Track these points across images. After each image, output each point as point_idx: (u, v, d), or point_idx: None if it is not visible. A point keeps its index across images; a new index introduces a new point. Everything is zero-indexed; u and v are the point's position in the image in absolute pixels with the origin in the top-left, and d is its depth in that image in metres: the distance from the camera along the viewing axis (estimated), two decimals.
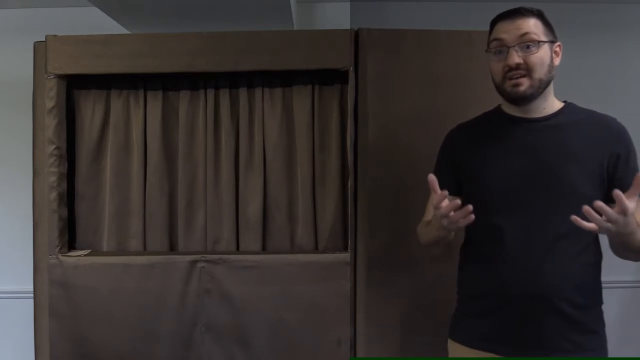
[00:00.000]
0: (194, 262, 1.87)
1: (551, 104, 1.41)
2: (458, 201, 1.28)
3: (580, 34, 2.53)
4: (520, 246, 1.35)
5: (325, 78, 1.94)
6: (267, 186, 1.97)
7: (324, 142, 1.96)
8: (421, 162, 1.87)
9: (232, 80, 1.96)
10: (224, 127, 1.96)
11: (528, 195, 1.36)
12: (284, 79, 1.95)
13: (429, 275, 1.87)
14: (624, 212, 1.15)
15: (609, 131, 1.37)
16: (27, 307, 2.00)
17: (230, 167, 1.96)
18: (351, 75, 1.85)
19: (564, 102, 1.44)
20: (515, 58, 1.33)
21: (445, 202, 1.27)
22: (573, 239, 1.33)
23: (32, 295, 1.93)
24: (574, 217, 1.16)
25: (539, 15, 1.37)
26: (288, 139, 1.96)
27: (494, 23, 1.41)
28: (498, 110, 1.49)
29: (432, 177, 1.29)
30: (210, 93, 1.96)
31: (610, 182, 1.34)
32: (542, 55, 1.34)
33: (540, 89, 1.36)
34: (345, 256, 1.86)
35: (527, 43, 1.33)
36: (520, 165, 1.38)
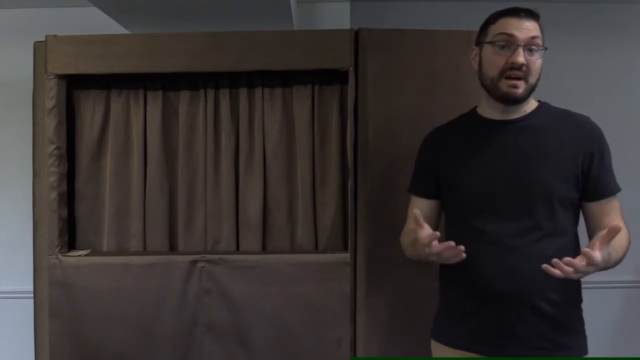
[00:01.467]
0: (194, 262, 1.87)
1: (529, 105, 1.43)
2: (441, 238, 1.28)
3: (580, 34, 2.53)
4: (498, 247, 1.37)
5: (325, 78, 1.94)
6: (267, 186, 1.97)
7: (324, 142, 1.96)
8: None
9: (232, 80, 1.96)
10: (224, 127, 1.96)
11: (504, 197, 1.37)
12: (284, 79, 1.95)
13: (429, 275, 1.86)
14: (592, 264, 1.19)
15: (583, 130, 1.38)
16: (27, 307, 2.00)
17: (230, 167, 1.96)
18: (351, 75, 1.85)
19: (538, 101, 1.45)
20: (523, 58, 1.32)
21: (435, 242, 1.27)
22: (550, 239, 1.35)
23: (32, 295, 1.93)
24: (545, 266, 1.20)
25: (539, 19, 1.38)
26: (288, 139, 1.96)
27: (499, 16, 1.39)
28: (473, 112, 1.51)
29: (417, 212, 1.31)
30: (210, 93, 1.96)
31: (585, 181, 1.36)
32: (540, 62, 1.36)
33: (530, 93, 1.38)
34: (345, 256, 1.86)
35: (534, 47, 1.34)
36: (496, 167, 1.39)
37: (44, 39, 1.88)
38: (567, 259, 1.19)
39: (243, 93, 1.96)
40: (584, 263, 1.19)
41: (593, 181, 1.36)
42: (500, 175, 1.38)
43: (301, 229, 1.96)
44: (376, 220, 1.88)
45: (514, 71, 1.33)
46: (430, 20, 2.46)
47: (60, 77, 1.87)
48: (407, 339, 1.88)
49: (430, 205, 1.55)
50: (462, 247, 1.26)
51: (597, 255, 1.19)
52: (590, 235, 1.40)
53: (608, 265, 1.27)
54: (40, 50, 1.89)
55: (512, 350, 1.37)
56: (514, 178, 1.37)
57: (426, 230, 1.29)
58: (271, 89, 1.96)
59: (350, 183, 1.87)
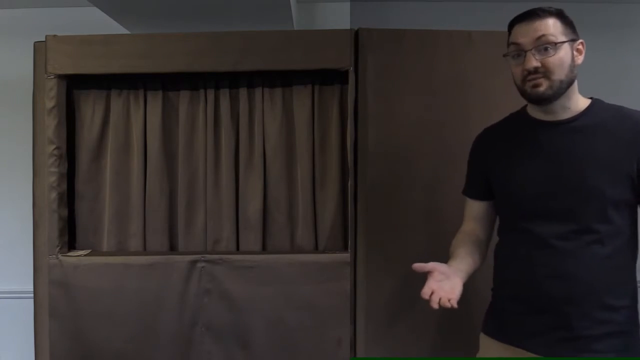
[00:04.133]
0: (194, 262, 1.87)
1: (576, 102, 1.38)
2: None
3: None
4: (548, 250, 1.34)
5: (325, 78, 1.94)
6: (267, 186, 1.97)
7: (324, 142, 1.96)
8: (421, 162, 1.88)
9: (232, 80, 1.96)
10: (224, 127, 1.96)
11: (555, 200, 1.35)
12: (284, 79, 1.95)
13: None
14: None
15: (637, 128, 1.33)
16: (27, 307, 2.00)
17: (230, 167, 1.96)
18: (351, 75, 1.85)
19: (590, 98, 1.40)
20: (533, 62, 1.31)
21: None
22: (603, 242, 1.32)
23: (32, 295, 1.93)
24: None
25: (558, 14, 1.34)
26: (288, 139, 1.96)
27: (511, 26, 1.38)
28: (523, 112, 1.47)
29: (417, 266, 1.35)
30: (210, 93, 1.96)
31: None
32: (562, 56, 1.32)
33: (561, 89, 1.33)
34: (345, 256, 1.86)
35: (544, 45, 1.31)
36: (546, 169, 1.36)
37: (44, 39, 1.88)
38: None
39: (243, 93, 1.96)
40: None
41: None
42: (550, 178, 1.35)
43: (301, 229, 1.96)
44: (376, 220, 1.88)
45: (531, 75, 1.32)
46: (430, 20, 2.46)
47: (60, 77, 1.87)
48: (407, 339, 1.88)
49: (483, 207, 1.54)
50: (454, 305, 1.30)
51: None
52: None
53: None
54: (40, 50, 1.89)
55: (563, 353, 1.34)
56: (565, 181, 1.34)
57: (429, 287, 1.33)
58: (271, 89, 1.96)
59: (350, 183, 1.87)
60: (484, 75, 1.86)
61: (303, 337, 1.86)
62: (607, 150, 1.32)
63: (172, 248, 2.00)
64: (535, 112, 1.42)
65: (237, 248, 1.98)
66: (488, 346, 1.49)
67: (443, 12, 2.55)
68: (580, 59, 1.37)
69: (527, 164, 1.40)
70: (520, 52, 1.34)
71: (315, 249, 1.96)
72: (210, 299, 1.86)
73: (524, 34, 1.33)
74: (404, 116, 1.88)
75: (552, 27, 1.32)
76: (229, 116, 1.96)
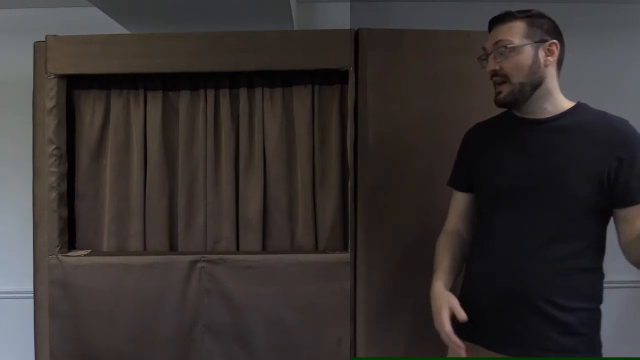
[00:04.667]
0: (194, 262, 1.87)
1: (554, 103, 1.39)
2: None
3: (580, 34, 2.52)
4: (510, 246, 1.37)
5: (325, 78, 1.94)
6: (267, 186, 1.97)
7: (324, 142, 1.96)
8: (421, 162, 1.88)
9: (232, 80, 1.96)
10: (224, 127, 1.96)
11: (525, 196, 1.37)
12: (284, 79, 1.95)
13: (429, 275, 1.86)
14: None
15: (616, 134, 1.33)
16: (27, 307, 2.00)
17: (230, 167, 1.96)
18: (351, 75, 1.85)
19: (576, 102, 1.42)
20: (491, 65, 1.37)
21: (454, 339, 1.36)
22: (564, 242, 1.34)
23: (32, 295, 1.93)
24: None
25: (527, 17, 1.36)
26: (288, 139, 1.96)
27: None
28: (510, 110, 1.49)
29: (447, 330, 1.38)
30: (210, 93, 1.96)
31: (613, 187, 1.32)
32: (519, 59, 1.34)
33: (524, 92, 1.36)
34: (345, 256, 1.86)
35: (499, 50, 1.36)
36: (522, 166, 1.39)
37: (44, 39, 1.88)
38: None
39: (243, 93, 1.96)
40: None
41: (621, 187, 1.31)
42: (524, 174, 1.38)
43: (301, 229, 1.96)
44: (376, 220, 1.88)
45: (494, 78, 1.39)
46: (430, 20, 2.46)
47: (60, 77, 1.87)
48: (407, 339, 1.88)
49: (468, 199, 1.57)
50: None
51: None
52: (622, 243, 1.35)
53: None
54: (40, 50, 1.89)
55: (514, 349, 1.37)
56: (537, 178, 1.36)
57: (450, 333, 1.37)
58: (271, 89, 1.96)
59: (350, 183, 1.87)
60: (483, 75, 1.84)
61: (303, 337, 1.86)
62: (583, 151, 1.33)
63: (172, 248, 2.00)
64: (517, 110, 1.45)
65: (237, 248, 1.98)
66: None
67: (443, 12, 2.55)
68: (550, 60, 1.37)
69: (506, 158, 1.42)
70: (485, 56, 1.40)
71: (315, 249, 1.96)
72: (210, 299, 1.86)
73: (488, 39, 1.40)
74: (404, 116, 1.88)
75: (511, 31, 1.35)
76: (229, 116, 1.96)
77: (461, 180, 1.58)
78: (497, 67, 1.36)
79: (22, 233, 2.30)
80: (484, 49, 1.41)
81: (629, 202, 1.31)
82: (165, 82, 1.96)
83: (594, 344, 1.39)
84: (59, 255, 1.87)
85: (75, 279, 1.86)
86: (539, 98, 1.38)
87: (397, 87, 1.88)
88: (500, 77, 1.37)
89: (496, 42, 1.36)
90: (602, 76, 2.56)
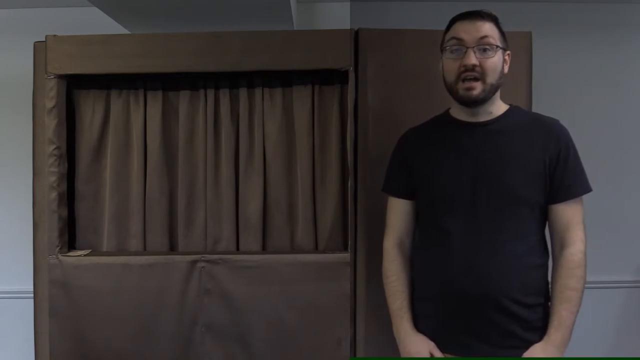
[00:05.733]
0: (194, 262, 1.87)
1: (497, 107, 1.44)
2: None
3: (580, 34, 2.53)
4: (465, 248, 1.38)
5: (325, 78, 1.94)
6: (267, 186, 1.97)
7: (324, 142, 1.96)
8: None
9: (232, 80, 1.96)
10: (224, 127, 1.96)
11: (472, 198, 1.39)
12: (284, 79, 1.95)
13: None
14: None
15: (550, 133, 1.39)
16: (27, 307, 2.00)
17: (230, 167, 1.96)
18: (351, 75, 1.85)
19: (510, 105, 1.46)
20: (473, 59, 1.36)
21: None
22: (516, 241, 1.37)
23: (32, 295, 1.93)
24: None
25: (496, 20, 1.41)
26: (288, 139, 1.96)
27: (452, 22, 1.43)
28: (446, 114, 1.53)
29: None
30: (210, 93, 1.96)
31: (551, 183, 1.37)
32: (496, 61, 1.38)
33: (490, 93, 1.39)
34: (345, 256, 1.86)
35: (484, 46, 1.36)
36: (465, 168, 1.41)
37: (44, 39, 1.88)
38: None
39: (243, 93, 1.96)
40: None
41: (556, 183, 1.37)
42: (468, 176, 1.40)
43: (301, 229, 1.96)
44: (376, 221, 1.88)
45: (468, 72, 1.36)
46: (430, 20, 2.45)
47: (60, 77, 1.87)
48: None
49: (407, 206, 1.56)
50: None
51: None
52: (552, 238, 1.42)
53: (572, 317, 1.35)
54: (40, 50, 1.89)
55: (481, 350, 1.38)
56: (481, 179, 1.38)
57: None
58: (271, 89, 1.96)
59: (350, 183, 1.87)
60: None
61: (303, 337, 1.86)
62: (522, 151, 1.38)
63: (172, 248, 2.00)
64: (458, 114, 1.48)
65: (237, 248, 1.98)
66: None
67: (443, 12, 2.54)
68: (506, 69, 1.42)
69: (448, 162, 1.43)
70: (460, 48, 1.38)
71: (315, 249, 1.96)
72: (210, 299, 1.86)
73: (467, 31, 1.38)
74: (404, 116, 1.87)
75: (492, 30, 1.38)
76: (229, 116, 1.96)
77: (401, 186, 1.56)
78: (477, 63, 1.36)
79: (22, 233, 2.29)
80: (458, 39, 1.38)
81: (561, 198, 1.37)
82: (165, 82, 1.96)
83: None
84: (59, 255, 1.87)
85: (75, 279, 1.86)
86: (490, 101, 1.42)
87: (397, 87, 1.88)
88: (475, 74, 1.36)
89: (482, 38, 1.36)
90: (602, 76, 2.56)
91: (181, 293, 1.86)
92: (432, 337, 1.46)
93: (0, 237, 2.62)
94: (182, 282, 1.86)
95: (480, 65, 1.36)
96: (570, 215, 1.38)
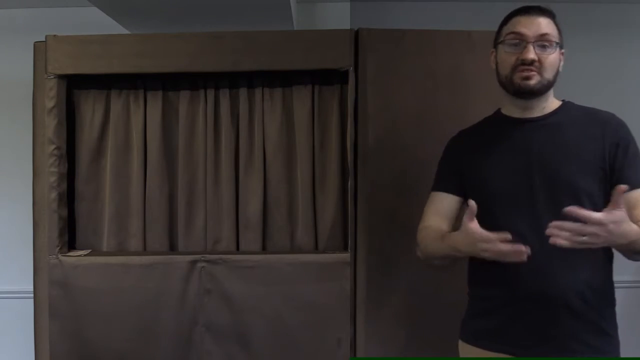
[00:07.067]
0: (194, 262, 1.87)
1: (551, 103, 1.43)
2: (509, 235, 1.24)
3: (580, 34, 2.52)
4: (529, 246, 1.34)
5: (325, 78, 1.94)
6: (267, 186, 1.97)
7: (324, 142, 1.96)
8: (421, 162, 1.87)
9: (232, 80, 1.96)
10: (224, 127, 1.96)
11: (531, 196, 1.36)
12: (284, 79, 1.95)
13: (429, 275, 1.86)
14: (593, 223, 1.15)
15: (607, 125, 1.37)
16: (27, 307, 2.00)
17: (230, 167, 1.96)
18: (351, 75, 1.85)
19: (562, 100, 1.45)
20: (532, 54, 1.33)
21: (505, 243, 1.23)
22: None
23: (32, 295, 1.93)
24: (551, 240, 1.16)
25: (554, 17, 1.39)
26: (288, 139, 1.96)
27: (511, 16, 1.41)
28: (497, 114, 1.50)
29: (472, 204, 1.25)
30: (210, 93, 1.96)
31: (611, 176, 1.34)
32: (555, 58, 1.37)
33: (545, 88, 1.38)
34: (345, 256, 1.86)
35: (544, 42, 1.35)
36: (521, 166, 1.38)
37: (44, 39, 1.88)
38: (556, 223, 1.16)
39: (243, 93, 1.96)
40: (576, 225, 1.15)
41: (617, 174, 1.34)
42: (525, 174, 1.37)
43: (301, 229, 1.96)
44: (376, 220, 1.88)
45: (525, 66, 1.34)
46: (430, 20, 2.45)
47: (60, 77, 1.87)
48: (408, 339, 1.88)
49: (454, 202, 1.51)
50: (527, 250, 1.21)
51: (588, 213, 1.15)
52: None
53: (634, 242, 1.22)
54: (40, 50, 1.89)
55: (540, 351, 1.34)
56: (539, 176, 1.36)
57: (478, 229, 1.25)
58: (271, 89, 1.96)
59: (350, 183, 1.87)
60: (483, 75, 1.85)
61: (303, 337, 1.86)
62: (577, 144, 1.36)
63: (172, 248, 2.00)
64: (510, 111, 1.45)
65: (237, 248, 1.98)
66: (467, 354, 1.48)
67: (443, 12, 2.55)
68: (561, 67, 1.41)
69: (503, 161, 1.41)
70: (520, 42, 1.36)
71: (315, 249, 1.96)
72: (210, 299, 1.86)
73: (527, 26, 1.36)
74: (404, 116, 1.88)
75: (551, 27, 1.37)
76: (229, 116, 1.96)
77: (451, 184, 1.52)
78: (536, 58, 1.34)
79: (22, 233, 2.29)
80: (517, 33, 1.36)
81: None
82: (165, 82, 1.96)
83: (617, 345, 1.40)
84: (59, 255, 1.87)
85: (75, 279, 1.86)
86: (545, 96, 1.40)
87: (397, 87, 1.88)
88: (534, 68, 1.34)
89: (543, 35, 1.34)
90: (602, 76, 2.56)
91: (181, 293, 1.86)
92: (491, 338, 1.42)
93: (0, 237, 2.62)
94: (182, 282, 1.86)
95: (539, 61, 1.34)
96: (634, 202, 1.31)
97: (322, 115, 1.95)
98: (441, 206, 1.52)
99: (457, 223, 1.45)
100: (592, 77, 2.53)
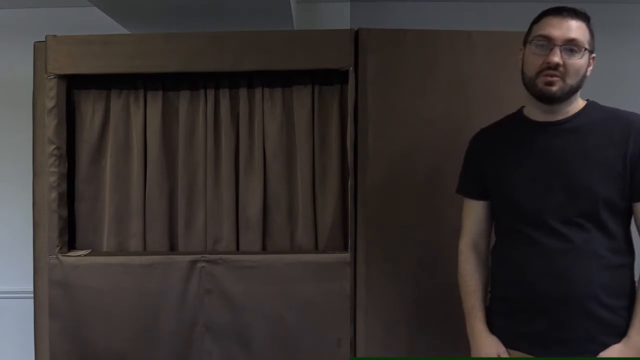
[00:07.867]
0: (194, 262, 1.87)
1: (574, 106, 1.39)
2: None
3: None
4: (545, 250, 1.35)
5: (325, 78, 1.94)
6: (267, 186, 1.97)
7: (324, 142, 1.96)
8: (421, 162, 1.88)
9: (232, 80, 1.96)
10: (224, 127, 1.96)
11: (551, 199, 1.35)
12: (284, 79, 1.95)
13: (429, 275, 1.87)
14: None
15: (630, 128, 1.34)
16: (27, 307, 2.00)
17: (230, 167, 1.96)
18: (351, 75, 1.85)
19: (586, 100, 1.42)
20: (557, 57, 1.31)
21: None
22: (598, 242, 1.32)
23: (32, 295, 1.93)
24: None
25: (588, 20, 1.36)
26: (288, 139, 1.96)
27: (542, 15, 1.38)
28: (519, 114, 1.48)
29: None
30: (210, 93, 1.96)
31: (631, 181, 1.32)
32: (582, 64, 1.33)
33: (568, 94, 1.35)
34: (345, 256, 1.86)
35: (573, 47, 1.32)
36: (541, 169, 1.37)
37: (44, 39, 1.88)
38: None
39: (243, 93, 1.96)
40: None
41: (637, 180, 1.32)
42: (544, 178, 1.36)
43: (301, 229, 1.96)
44: (376, 220, 1.88)
45: (550, 71, 1.32)
46: (430, 20, 2.46)
47: (60, 77, 1.87)
48: (408, 339, 1.88)
49: (482, 207, 1.53)
50: None
51: None
52: None
53: None
54: (40, 50, 1.89)
55: (557, 352, 1.35)
56: (559, 180, 1.35)
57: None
58: (271, 89, 1.95)
59: (350, 183, 1.87)
60: (484, 75, 1.86)
61: (303, 337, 1.86)
62: (598, 149, 1.33)
63: (172, 248, 2.00)
64: (532, 113, 1.43)
65: (237, 248, 1.98)
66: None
67: (443, 12, 2.55)
68: (589, 72, 1.38)
69: (522, 164, 1.40)
70: (547, 44, 1.33)
71: (315, 249, 1.96)
72: (210, 299, 1.86)
73: (557, 28, 1.32)
74: (404, 116, 1.88)
75: (583, 31, 1.34)
76: (229, 116, 1.96)
77: (476, 188, 1.53)
78: (561, 62, 1.31)
79: (22, 233, 2.30)
80: (546, 36, 1.33)
81: None
82: (165, 82, 1.96)
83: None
84: (59, 255, 1.87)
85: (75, 279, 1.86)
86: (568, 101, 1.37)
87: (397, 87, 1.88)
88: (558, 73, 1.32)
89: (571, 39, 1.31)
90: (602, 76, 2.55)
91: (181, 293, 1.86)
92: (506, 336, 1.43)
93: (0, 237, 2.62)
94: (182, 282, 1.86)
95: (564, 66, 1.31)
96: None
97: (322, 115, 1.95)
98: (474, 214, 1.55)
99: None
100: (592, 77, 2.52)
